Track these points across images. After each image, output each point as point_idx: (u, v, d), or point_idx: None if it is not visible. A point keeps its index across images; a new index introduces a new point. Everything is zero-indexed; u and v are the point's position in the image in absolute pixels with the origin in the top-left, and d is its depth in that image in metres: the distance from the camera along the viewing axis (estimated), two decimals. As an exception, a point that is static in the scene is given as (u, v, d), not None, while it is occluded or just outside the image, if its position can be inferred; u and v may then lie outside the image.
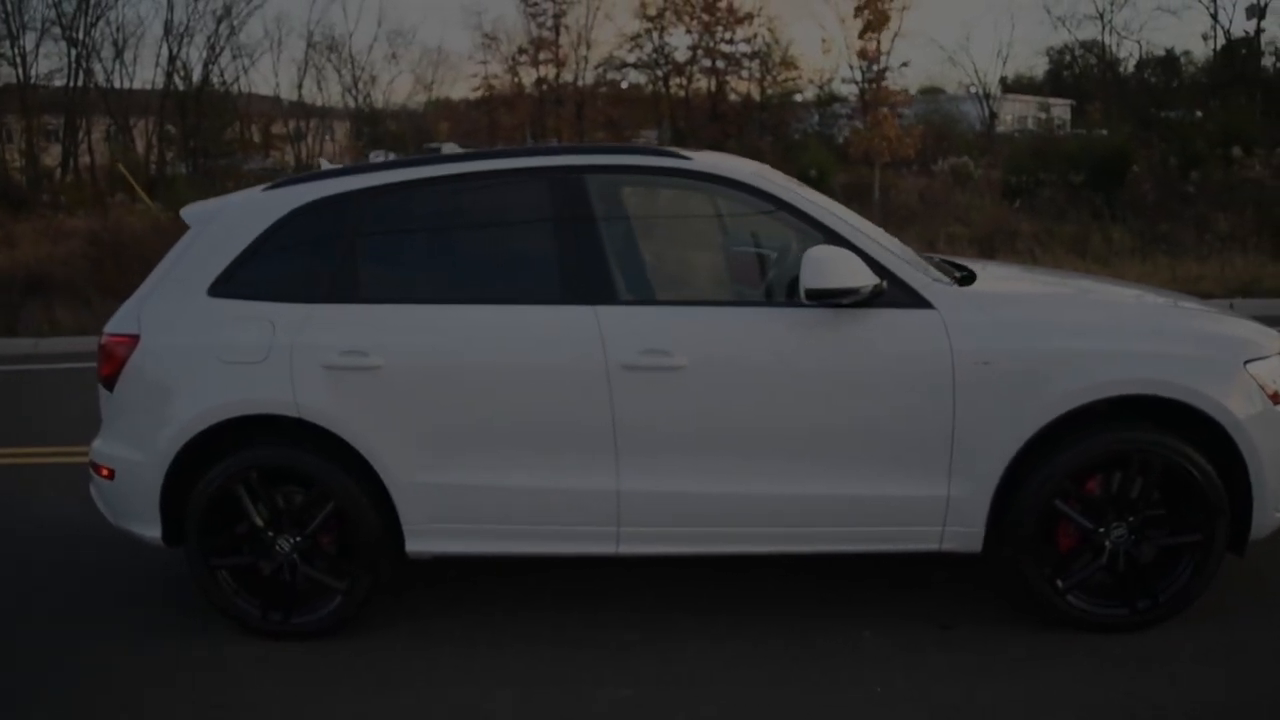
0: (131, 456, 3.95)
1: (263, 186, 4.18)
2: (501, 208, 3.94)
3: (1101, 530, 3.72)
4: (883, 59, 34.56)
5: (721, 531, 3.77)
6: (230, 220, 4.01)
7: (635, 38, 39.51)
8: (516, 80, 38.79)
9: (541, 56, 37.39)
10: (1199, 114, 34.40)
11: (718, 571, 4.32)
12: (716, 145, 31.44)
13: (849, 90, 42.14)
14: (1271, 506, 3.73)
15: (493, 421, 3.74)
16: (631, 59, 40.33)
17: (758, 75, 40.61)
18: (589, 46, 38.25)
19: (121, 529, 4.10)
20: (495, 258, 3.93)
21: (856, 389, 3.65)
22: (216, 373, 3.83)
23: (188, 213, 4.21)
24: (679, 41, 46.00)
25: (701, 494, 3.71)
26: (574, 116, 37.15)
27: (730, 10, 38.60)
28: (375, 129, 39.63)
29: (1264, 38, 38.89)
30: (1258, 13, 39.19)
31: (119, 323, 4.04)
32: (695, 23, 38.74)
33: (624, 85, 41.64)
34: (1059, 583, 3.75)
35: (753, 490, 3.70)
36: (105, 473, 4.04)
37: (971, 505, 3.69)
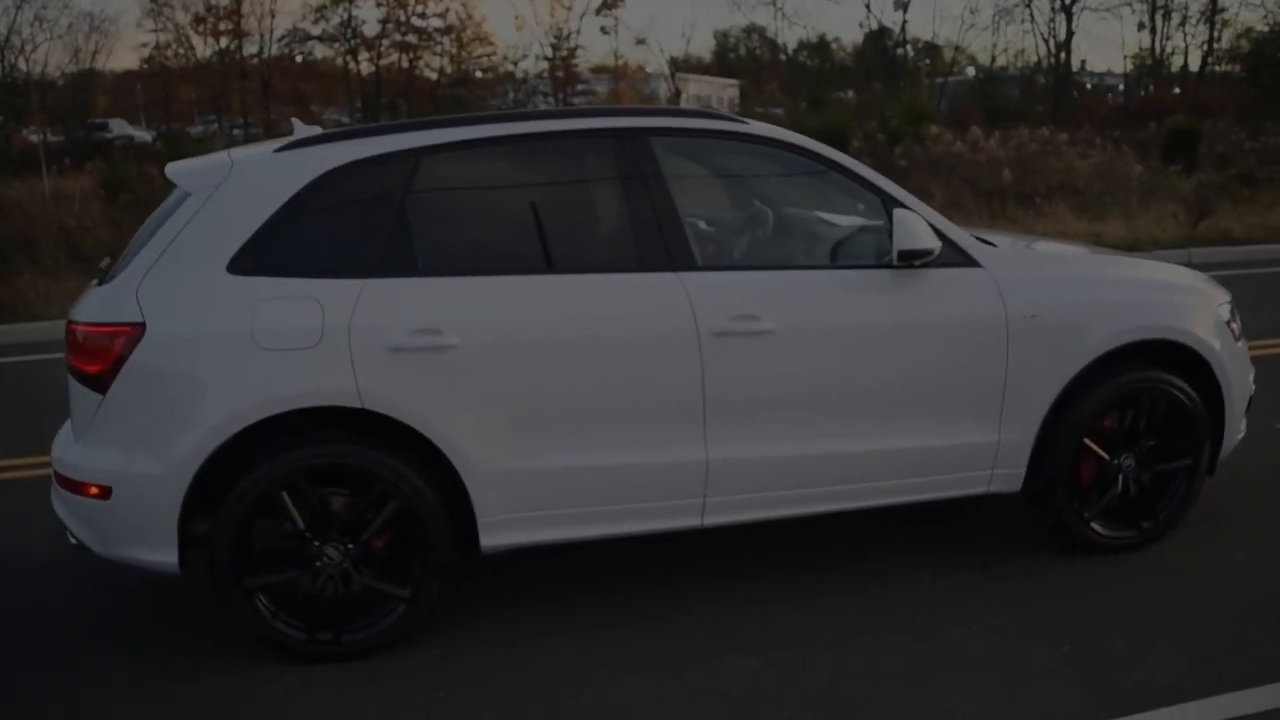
0: (138, 469, 3.34)
1: (273, 146, 3.65)
2: (567, 171, 3.71)
3: (1115, 462, 4.10)
4: (573, 36, 34.96)
5: (803, 493, 3.78)
6: (244, 185, 3.46)
7: (321, 9, 37.64)
8: (192, 51, 35.73)
9: (222, 26, 34.64)
10: (852, 94, 37.86)
11: (733, 541, 4.28)
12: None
13: (540, 67, 42.53)
14: (1235, 430, 4.28)
15: (579, 398, 3.52)
16: (317, 31, 38.40)
17: (451, 51, 40.03)
18: (273, 17, 35.95)
19: (116, 557, 3.46)
20: (565, 224, 3.69)
21: (931, 346, 3.79)
22: (256, 362, 3.32)
23: (179, 173, 3.60)
24: (369, 14, 44.17)
25: (786, 457, 3.71)
26: (260, 91, 34.77)
27: (422, -18, 37.71)
28: (20, 101, 35.03)
29: (908, 30, 43.57)
30: (902, 6, 43.85)
31: (109, 309, 3.38)
32: (386, -6, 37.47)
33: (299, 59, 39.53)
34: (1084, 513, 4.10)
35: (836, 450, 3.75)
36: (95, 491, 3.40)
37: (1017, 448, 3.95)
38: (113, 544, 3.45)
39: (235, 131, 32.66)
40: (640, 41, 41.51)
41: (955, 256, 3.84)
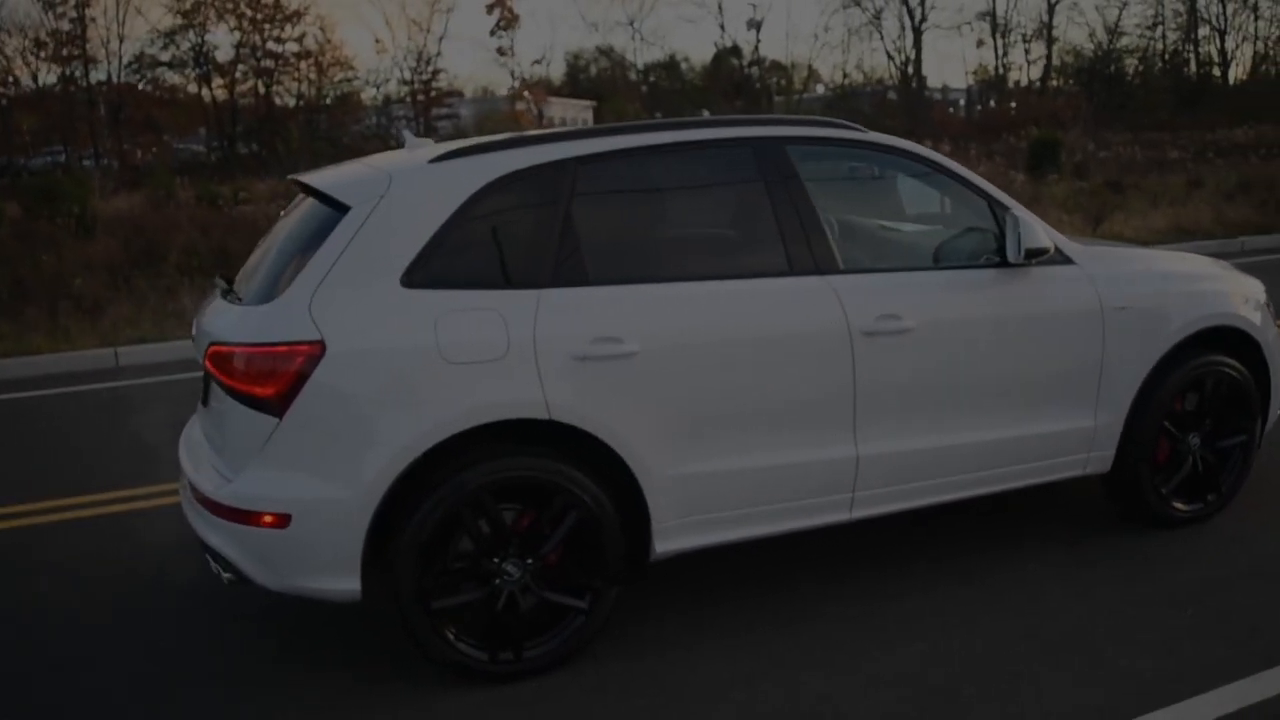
0: (322, 493, 3.26)
1: (423, 156, 3.61)
2: (717, 179, 3.85)
3: (1186, 441, 4.46)
4: (433, 61, 34.50)
5: (937, 483, 3.99)
6: (408, 196, 3.44)
7: (170, 34, 36.17)
8: (33, 78, 33.71)
9: (66, 52, 32.80)
10: (706, 113, 38.84)
11: (831, 539, 4.40)
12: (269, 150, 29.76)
13: (403, 91, 41.90)
14: (1278, 406, 4.71)
15: (747, 401, 3.64)
16: (166, 57, 36.86)
17: (311, 76, 39.06)
18: (121, 42, 34.34)
19: (294, 589, 3.36)
20: (719, 230, 3.83)
21: (1046, 338, 4.08)
22: (445, 377, 3.29)
23: (332, 185, 3.54)
24: (222, 40, 42.59)
25: (924, 449, 3.91)
26: (111, 119, 33.10)
27: (277, 6, 36.71)
28: None
29: (761, 49, 45.07)
30: (755, 26, 45.35)
31: (279, 328, 3.27)
32: (239, 20, 36.32)
33: (142, 86, 37.83)
34: (1163, 491, 4.43)
35: (967, 440, 3.97)
36: (270, 520, 3.29)
37: (1110, 431, 4.27)
38: (289, 575, 3.34)
39: (85, 162, 31.00)
40: (536, 63, 41.52)
41: (1055, 255, 4.12)
